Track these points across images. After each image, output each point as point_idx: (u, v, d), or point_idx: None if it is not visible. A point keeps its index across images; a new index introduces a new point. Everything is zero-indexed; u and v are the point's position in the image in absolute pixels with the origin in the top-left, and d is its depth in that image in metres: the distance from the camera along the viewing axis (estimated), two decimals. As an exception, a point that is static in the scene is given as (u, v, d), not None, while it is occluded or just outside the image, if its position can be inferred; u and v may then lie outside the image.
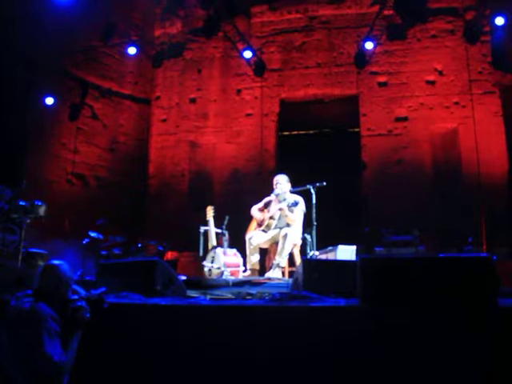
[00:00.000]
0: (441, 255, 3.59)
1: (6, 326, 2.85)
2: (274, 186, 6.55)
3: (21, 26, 8.99)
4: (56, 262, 3.08)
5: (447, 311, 3.24)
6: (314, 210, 5.93)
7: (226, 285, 5.34)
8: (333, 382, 3.24)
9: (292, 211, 6.23)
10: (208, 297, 4.62)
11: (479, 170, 9.13)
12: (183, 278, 5.25)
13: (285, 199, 6.33)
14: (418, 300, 3.32)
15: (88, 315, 2.96)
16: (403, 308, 3.32)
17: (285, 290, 4.47)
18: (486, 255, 3.59)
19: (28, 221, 6.83)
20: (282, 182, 6.52)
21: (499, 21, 9.11)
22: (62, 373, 2.76)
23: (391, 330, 3.28)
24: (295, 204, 6.17)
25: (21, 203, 6.74)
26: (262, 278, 5.96)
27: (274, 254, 6.28)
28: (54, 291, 2.93)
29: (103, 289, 3.16)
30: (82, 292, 3.06)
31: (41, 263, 6.35)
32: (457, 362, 3.14)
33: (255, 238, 6.38)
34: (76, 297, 2.99)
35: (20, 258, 6.53)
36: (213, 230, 6.75)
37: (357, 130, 10.13)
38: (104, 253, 8.04)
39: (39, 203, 6.88)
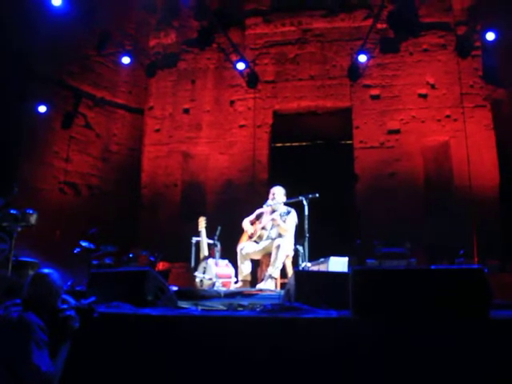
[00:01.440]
0: (433, 267, 3.60)
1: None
2: (270, 197, 6.55)
3: (15, 34, 8.99)
4: (46, 270, 3.04)
5: (439, 323, 3.25)
6: (306, 222, 5.94)
7: (217, 296, 5.32)
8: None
9: (284, 221, 6.25)
10: (199, 308, 4.59)
11: (471, 183, 9.19)
12: (174, 288, 5.22)
13: (277, 210, 6.35)
14: (410, 312, 3.32)
15: (77, 324, 2.93)
16: (395, 320, 3.32)
17: (276, 302, 4.45)
18: (478, 267, 3.61)
19: (19, 229, 6.78)
20: (278, 194, 6.52)
21: (490, 36, 9.23)
22: (50, 383, 2.72)
23: (383, 342, 3.27)
24: (287, 213, 6.19)
25: (12, 211, 6.69)
26: (253, 289, 5.94)
27: (266, 265, 6.27)
28: (43, 300, 2.90)
29: (93, 298, 3.13)
30: (72, 301, 3.03)
31: (31, 272, 6.29)
32: (448, 373, 3.14)
33: (246, 248, 6.38)
34: (65, 306, 2.95)
35: (10, 266, 6.47)
36: (205, 240, 6.73)
37: (349, 142, 10.18)
38: (95, 262, 7.99)
39: (30, 211, 6.84)
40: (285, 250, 6.13)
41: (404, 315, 3.32)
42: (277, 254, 6.06)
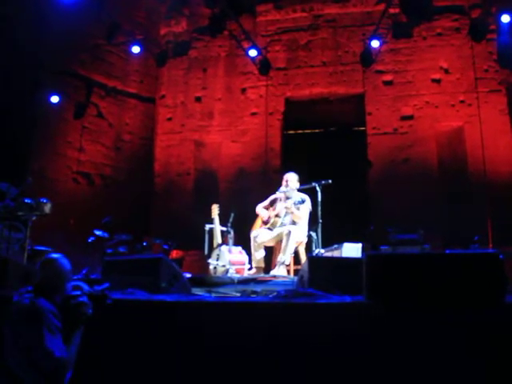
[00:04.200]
0: (447, 251, 3.57)
1: (9, 322, 2.85)
2: (284, 183, 6.53)
3: (26, 26, 9.02)
4: (54, 255, 3.07)
5: (454, 308, 3.22)
6: (319, 208, 5.93)
7: (231, 282, 5.34)
8: (338, 377, 3.23)
9: (298, 208, 6.23)
10: (213, 294, 4.61)
11: (485, 169, 9.09)
12: (188, 275, 5.25)
13: (291, 197, 6.32)
14: (425, 296, 3.30)
15: (90, 311, 2.94)
16: (409, 304, 3.30)
17: (290, 288, 4.45)
18: (494, 251, 3.57)
19: (33, 218, 6.83)
20: (291, 180, 6.51)
21: (505, 19, 9.06)
22: (63, 368, 2.74)
23: (397, 327, 3.26)
24: (302, 202, 6.16)
25: (26, 201, 6.74)
26: (267, 275, 5.96)
27: (280, 252, 6.27)
28: (52, 284, 2.92)
29: (106, 284, 3.14)
30: (86, 288, 3.05)
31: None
32: (464, 356, 3.12)
33: (260, 235, 6.38)
34: (78, 292, 2.97)
35: (25, 255, 6.53)
36: (218, 227, 6.75)
37: (362, 128, 10.10)
38: (109, 251, 8.05)
39: (45, 201, 6.87)
40: (295, 237, 6.12)
41: (418, 300, 3.31)
42: (287, 242, 6.07)
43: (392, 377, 3.19)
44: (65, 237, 8.16)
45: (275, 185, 6.77)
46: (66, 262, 3.02)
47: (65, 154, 10.25)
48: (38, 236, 7.27)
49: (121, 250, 8.21)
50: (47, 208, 6.91)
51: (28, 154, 9.48)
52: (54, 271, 2.95)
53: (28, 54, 9.18)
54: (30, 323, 2.74)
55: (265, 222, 6.57)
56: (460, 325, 3.19)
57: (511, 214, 8.76)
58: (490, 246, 8.48)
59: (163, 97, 10.99)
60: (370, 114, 9.98)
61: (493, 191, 8.91)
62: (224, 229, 6.66)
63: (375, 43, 9.68)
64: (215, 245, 6.69)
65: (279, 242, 6.41)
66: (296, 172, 6.74)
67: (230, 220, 6.56)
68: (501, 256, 3.43)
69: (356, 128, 10.39)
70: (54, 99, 9.73)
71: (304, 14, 10.57)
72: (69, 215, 9.17)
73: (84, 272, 7.21)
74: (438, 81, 9.81)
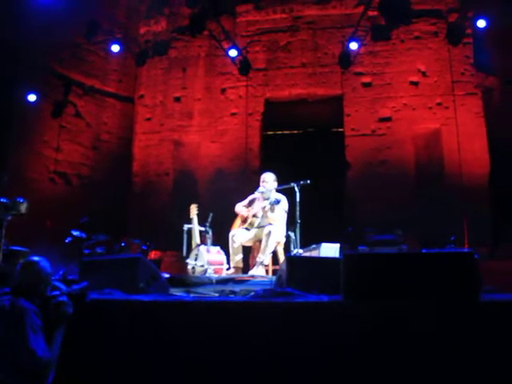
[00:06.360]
0: (424, 251, 3.62)
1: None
2: (261, 184, 6.55)
3: (4, 23, 8.88)
4: (35, 258, 3.06)
5: (430, 307, 3.27)
6: (297, 208, 5.95)
7: (209, 282, 5.35)
8: (314, 377, 3.25)
9: (273, 210, 6.24)
10: (191, 294, 4.61)
11: (461, 171, 9.22)
12: (166, 275, 5.23)
13: (269, 198, 6.34)
14: (401, 296, 3.34)
15: (71, 310, 2.93)
16: (386, 304, 3.33)
17: (268, 287, 4.46)
18: (468, 250, 3.64)
19: (9, 218, 6.70)
20: (268, 181, 6.53)
21: (481, 23, 9.19)
22: (46, 368, 2.72)
23: (374, 326, 3.30)
24: (277, 202, 6.18)
25: (1, 200, 6.62)
26: (245, 275, 5.97)
27: (258, 252, 6.28)
28: (33, 287, 2.90)
29: (85, 283, 3.13)
30: (63, 288, 3.03)
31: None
32: (439, 354, 3.16)
33: (238, 236, 6.39)
34: (57, 292, 2.95)
35: (1, 255, 6.42)
36: (196, 227, 6.73)
37: (341, 130, 10.18)
38: (87, 251, 7.95)
39: (21, 200, 6.75)
40: (275, 237, 6.14)
41: (395, 299, 3.34)
42: (267, 242, 6.08)
43: (368, 376, 3.22)
44: (41, 237, 8.05)
45: (254, 185, 6.78)
46: (46, 265, 3.01)
47: (42, 153, 10.12)
48: (13, 236, 7.15)
49: (98, 250, 8.10)
50: (23, 207, 6.79)
51: (4, 152, 9.32)
52: (34, 274, 2.93)
53: (6, 51, 9.03)
54: (13, 323, 2.71)
55: (243, 221, 6.57)
56: (436, 323, 3.24)
57: (486, 215, 8.92)
58: (466, 246, 8.61)
59: (142, 96, 10.94)
60: (348, 115, 10.06)
61: (468, 193, 9.04)
62: (202, 229, 6.65)
63: (354, 45, 9.75)
64: (194, 245, 6.67)
65: (257, 242, 6.43)
66: (275, 172, 6.75)
67: (209, 220, 6.55)
68: (475, 255, 3.49)
69: (334, 129, 10.47)
70: (32, 97, 9.59)
71: (284, 16, 10.62)
72: (46, 215, 9.05)
73: (61, 273, 7.10)
74: (415, 83, 9.94)
